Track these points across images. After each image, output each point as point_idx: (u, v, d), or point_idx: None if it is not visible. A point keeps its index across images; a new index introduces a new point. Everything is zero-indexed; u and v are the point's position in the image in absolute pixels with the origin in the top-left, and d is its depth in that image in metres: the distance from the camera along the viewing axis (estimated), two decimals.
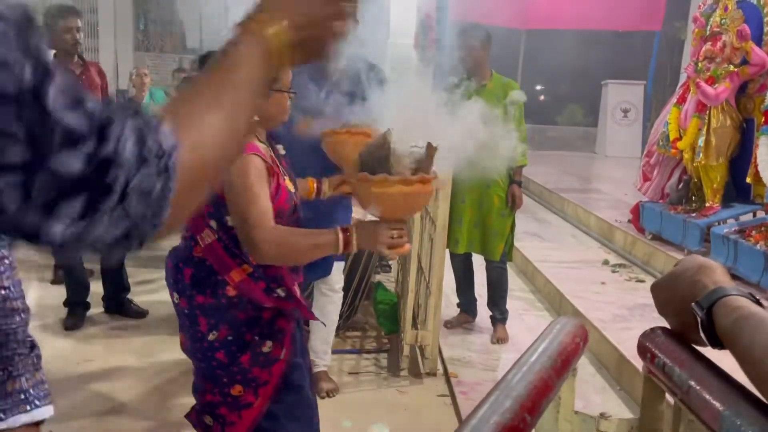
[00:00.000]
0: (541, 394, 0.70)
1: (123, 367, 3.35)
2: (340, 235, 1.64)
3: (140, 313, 3.94)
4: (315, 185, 2.03)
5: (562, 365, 0.78)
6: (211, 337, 1.76)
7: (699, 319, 0.77)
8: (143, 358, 3.43)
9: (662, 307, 0.86)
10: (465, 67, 3.71)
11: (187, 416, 1.88)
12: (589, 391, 3.21)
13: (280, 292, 1.77)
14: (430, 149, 1.62)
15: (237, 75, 0.64)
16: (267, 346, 1.77)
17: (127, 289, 4.04)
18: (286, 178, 1.82)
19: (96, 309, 3.97)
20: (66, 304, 3.81)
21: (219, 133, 0.59)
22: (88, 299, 3.88)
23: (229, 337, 1.75)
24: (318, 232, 1.68)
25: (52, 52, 3.55)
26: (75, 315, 3.77)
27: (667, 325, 0.87)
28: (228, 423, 1.77)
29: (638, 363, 3.18)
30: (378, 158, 1.60)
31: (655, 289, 0.86)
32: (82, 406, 2.91)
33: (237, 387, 1.76)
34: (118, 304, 3.97)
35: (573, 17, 11.30)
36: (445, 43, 7.28)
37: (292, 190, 1.83)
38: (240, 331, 1.76)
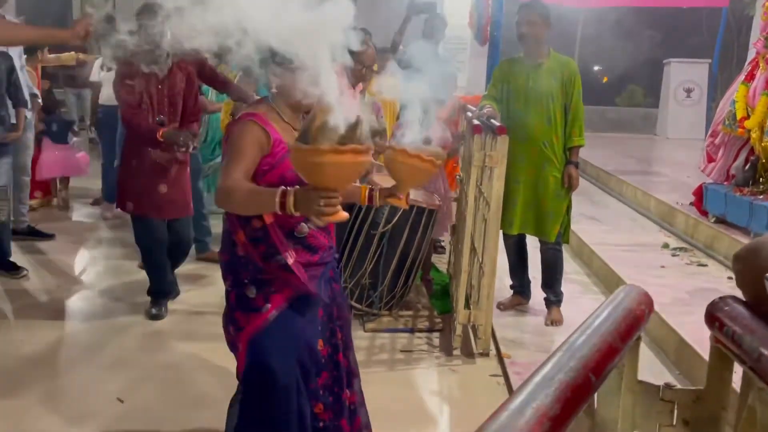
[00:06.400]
0: (606, 356, 0.69)
1: (188, 349, 3.48)
2: (277, 198, 1.72)
3: None
4: (366, 192, 2.07)
5: (626, 330, 0.77)
6: (227, 286, 2.05)
7: None
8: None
9: (740, 278, 0.85)
10: (523, 44, 3.64)
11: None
12: (647, 375, 3.12)
13: (280, 259, 1.94)
14: (357, 121, 1.64)
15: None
16: (251, 292, 1.97)
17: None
18: None
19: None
20: (149, 293, 3.81)
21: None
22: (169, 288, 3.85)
23: (229, 289, 2.03)
24: (264, 190, 1.81)
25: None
26: (158, 304, 3.75)
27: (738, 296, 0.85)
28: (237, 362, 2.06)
29: (700, 347, 3.09)
30: (306, 130, 1.71)
31: (735, 260, 0.85)
32: (148, 378, 3.05)
33: (231, 327, 2.03)
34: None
35: None
36: (500, 22, 7.17)
37: None
38: (237, 285, 2.01)
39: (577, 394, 0.61)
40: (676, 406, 0.87)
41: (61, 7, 11.33)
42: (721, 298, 0.84)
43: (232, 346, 2.06)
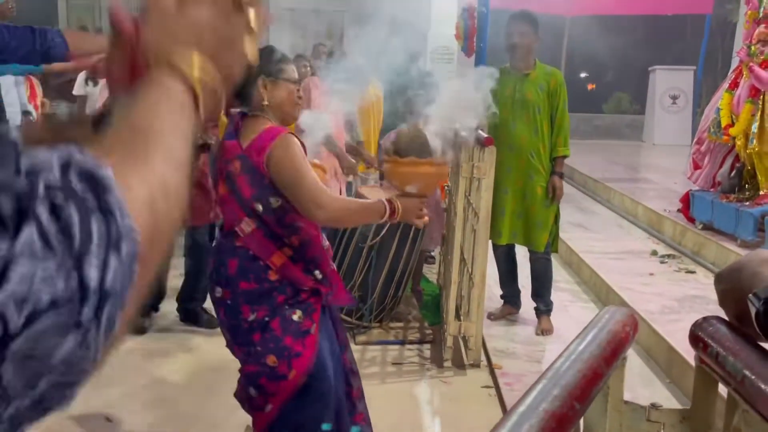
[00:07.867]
0: (591, 382, 0.69)
1: (174, 366, 3.45)
2: (387, 205, 1.88)
3: (211, 323, 3.65)
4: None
5: (611, 354, 0.77)
6: (251, 317, 1.87)
7: (754, 311, 0.75)
8: (200, 357, 3.53)
9: (722, 298, 0.85)
10: (511, 55, 3.65)
11: (236, 394, 2.03)
12: (637, 383, 3.15)
13: (317, 273, 1.93)
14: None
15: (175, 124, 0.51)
16: (297, 315, 1.89)
17: (203, 299, 3.81)
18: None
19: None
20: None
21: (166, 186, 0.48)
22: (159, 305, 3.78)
23: (266, 318, 1.88)
24: (371, 204, 1.95)
25: None
26: (142, 317, 3.65)
27: (722, 316, 0.85)
28: (269, 393, 1.89)
29: (689, 355, 3.10)
30: (416, 146, 2.00)
31: (717, 280, 0.85)
32: (135, 395, 3.02)
33: (271, 357, 1.87)
34: (192, 312, 3.83)
35: (619, 2, 11.01)
36: (487, 32, 7.23)
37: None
38: (277, 311, 1.89)
39: (561, 423, 0.61)
40: (662, 427, 0.87)
41: (46, 14, 11.29)
42: (704, 318, 0.85)
43: (272, 375, 1.87)
